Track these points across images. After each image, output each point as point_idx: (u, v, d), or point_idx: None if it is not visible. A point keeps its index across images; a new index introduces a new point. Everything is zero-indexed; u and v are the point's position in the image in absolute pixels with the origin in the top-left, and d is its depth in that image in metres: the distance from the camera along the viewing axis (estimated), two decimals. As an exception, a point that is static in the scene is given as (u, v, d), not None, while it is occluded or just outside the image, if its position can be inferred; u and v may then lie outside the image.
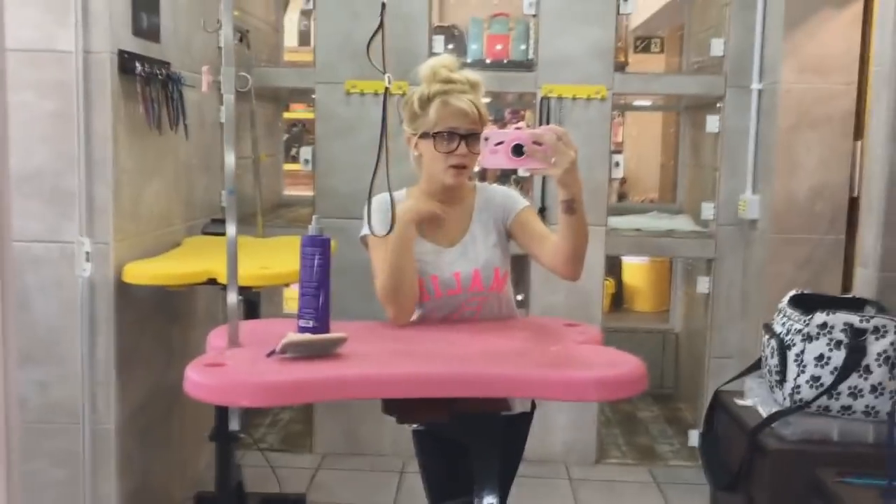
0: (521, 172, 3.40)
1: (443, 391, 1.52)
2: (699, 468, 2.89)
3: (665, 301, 5.28)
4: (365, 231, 1.86)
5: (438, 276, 1.93)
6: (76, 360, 2.61)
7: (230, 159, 1.65)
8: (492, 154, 1.66)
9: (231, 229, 1.70)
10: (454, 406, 1.59)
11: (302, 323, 1.71)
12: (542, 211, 3.57)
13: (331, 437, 3.77)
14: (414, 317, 1.97)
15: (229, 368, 1.51)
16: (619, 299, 5.99)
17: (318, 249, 1.73)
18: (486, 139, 1.67)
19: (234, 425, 2.44)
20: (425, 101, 1.90)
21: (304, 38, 6.56)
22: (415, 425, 1.89)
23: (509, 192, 2.03)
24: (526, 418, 1.99)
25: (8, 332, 1.07)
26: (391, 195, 1.79)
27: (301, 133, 6.22)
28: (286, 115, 5.13)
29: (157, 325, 2.96)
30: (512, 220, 1.96)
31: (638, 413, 4.41)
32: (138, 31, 2.68)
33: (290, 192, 4.77)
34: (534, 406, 2.00)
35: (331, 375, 1.50)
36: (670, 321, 4.89)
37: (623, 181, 6.19)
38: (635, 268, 5.87)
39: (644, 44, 6.58)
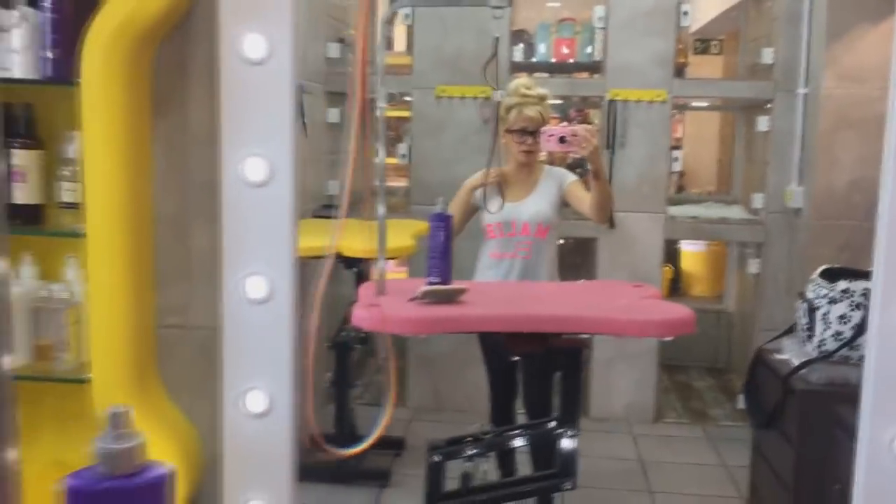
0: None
1: (541, 327, 2.04)
2: (747, 427, 3.34)
3: (720, 286, 5.71)
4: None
5: (502, 221, 2.87)
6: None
7: (382, 157, 2.20)
8: (546, 142, 2.64)
9: (381, 210, 2.24)
10: (548, 341, 2.12)
11: (431, 279, 2.25)
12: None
13: (421, 394, 4.34)
14: (487, 251, 2.93)
15: (384, 308, 2.05)
16: (677, 286, 6.40)
17: (442, 223, 2.27)
18: (543, 132, 2.65)
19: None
20: (508, 109, 2.89)
21: (390, 44, 7.15)
22: (515, 357, 2.43)
23: (566, 171, 3.06)
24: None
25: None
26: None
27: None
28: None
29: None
30: (566, 187, 2.93)
31: (693, 383, 4.87)
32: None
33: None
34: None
35: (460, 313, 2.04)
36: (724, 302, 5.33)
37: (682, 174, 6.61)
38: (692, 255, 6.29)
39: (704, 46, 7.01)
